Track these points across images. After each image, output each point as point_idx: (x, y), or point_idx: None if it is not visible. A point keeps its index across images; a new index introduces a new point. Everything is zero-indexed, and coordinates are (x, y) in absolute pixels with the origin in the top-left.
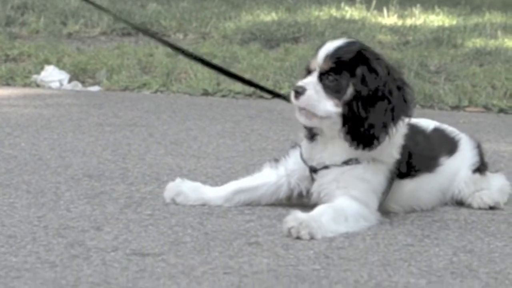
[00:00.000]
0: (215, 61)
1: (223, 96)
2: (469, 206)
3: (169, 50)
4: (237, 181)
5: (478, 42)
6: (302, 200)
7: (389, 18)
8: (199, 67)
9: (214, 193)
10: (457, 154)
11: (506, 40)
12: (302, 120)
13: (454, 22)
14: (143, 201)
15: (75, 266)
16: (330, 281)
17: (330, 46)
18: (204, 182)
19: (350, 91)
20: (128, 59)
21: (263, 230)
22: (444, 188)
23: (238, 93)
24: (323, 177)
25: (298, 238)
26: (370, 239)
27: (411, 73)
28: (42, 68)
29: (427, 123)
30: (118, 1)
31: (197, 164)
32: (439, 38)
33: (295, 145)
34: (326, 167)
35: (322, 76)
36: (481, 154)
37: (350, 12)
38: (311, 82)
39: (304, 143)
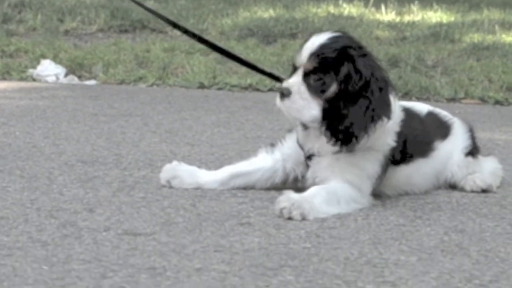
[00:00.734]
0: (212, 56)
1: (219, 89)
2: (462, 189)
3: (166, 45)
4: (233, 166)
5: (475, 37)
6: (297, 185)
7: (387, 15)
8: (195, 61)
9: (210, 177)
10: (450, 138)
11: (503, 35)
12: (288, 116)
13: (452, 19)
14: (136, 184)
15: (66, 244)
16: (321, 258)
17: (315, 42)
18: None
19: (333, 89)
20: (125, 55)
21: (255, 212)
22: (438, 172)
23: (234, 86)
24: (318, 164)
25: (290, 218)
26: (361, 220)
27: (408, 68)
28: (38, 63)
29: (421, 107)
30: None
31: (191, 151)
32: (437, 34)
33: (291, 129)
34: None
35: (306, 75)
36: (473, 138)
37: (348, 9)
38: (295, 83)
39: (300, 129)
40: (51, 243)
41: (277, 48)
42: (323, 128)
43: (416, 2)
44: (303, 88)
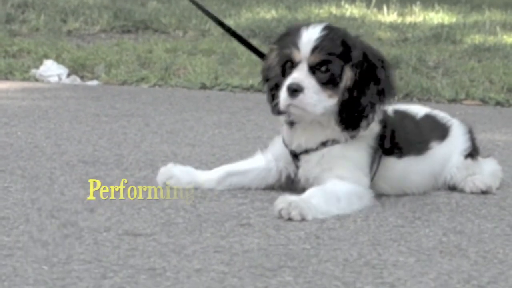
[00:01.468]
0: (214, 57)
1: (221, 89)
2: (461, 191)
3: (168, 46)
4: (228, 165)
5: (477, 38)
6: (293, 186)
7: (389, 16)
8: (198, 61)
9: (206, 176)
10: (449, 139)
11: (505, 36)
12: (295, 116)
13: (454, 20)
14: (137, 185)
15: (67, 244)
16: (320, 260)
17: (312, 35)
18: (198, 168)
19: (347, 77)
20: (127, 55)
21: (255, 213)
22: (436, 173)
23: (236, 87)
24: (306, 163)
25: (289, 219)
26: (361, 221)
27: (409, 68)
28: (41, 63)
29: (418, 109)
30: None
31: (192, 151)
32: (438, 35)
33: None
34: (306, 151)
35: (312, 69)
36: (472, 139)
37: (350, 10)
38: (303, 78)
39: (285, 128)
40: (51, 243)
41: None
42: (338, 117)
43: (418, 3)
44: (313, 82)
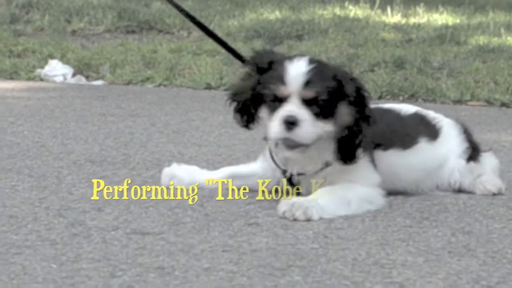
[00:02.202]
0: (218, 57)
1: (226, 89)
2: (469, 192)
3: (173, 46)
4: (231, 167)
5: (481, 39)
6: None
7: (393, 17)
8: (202, 62)
9: (209, 176)
10: (442, 139)
11: (509, 38)
12: (285, 152)
13: (458, 21)
14: (144, 184)
15: (75, 243)
16: (328, 259)
17: (300, 69)
18: (205, 168)
19: (344, 114)
20: (132, 55)
21: (263, 212)
22: (429, 170)
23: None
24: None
25: (295, 220)
26: (369, 221)
27: (413, 69)
28: (46, 63)
29: (407, 107)
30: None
31: (198, 151)
32: (443, 36)
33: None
34: (302, 174)
35: (305, 102)
36: (469, 139)
37: (354, 11)
38: (298, 112)
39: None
40: (60, 242)
41: (284, 49)
42: (337, 154)
43: (422, 4)
44: (308, 115)
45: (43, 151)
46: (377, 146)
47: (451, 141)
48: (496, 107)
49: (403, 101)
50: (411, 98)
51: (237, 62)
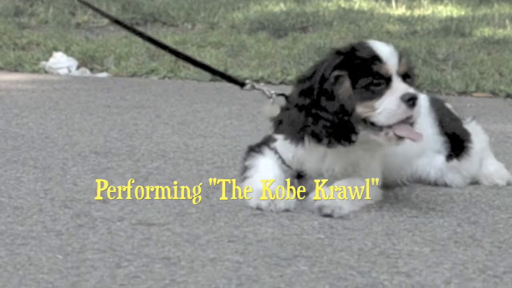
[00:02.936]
0: (223, 49)
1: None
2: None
3: (177, 39)
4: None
5: (486, 31)
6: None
7: (398, 9)
8: (207, 54)
9: None
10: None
11: None
12: (402, 133)
13: (463, 13)
14: (149, 176)
15: (81, 234)
16: (334, 249)
17: (387, 47)
18: (210, 159)
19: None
20: (136, 48)
21: None
22: (407, 155)
23: (246, 78)
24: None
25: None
26: (375, 211)
27: (418, 61)
28: (50, 56)
29: None
30: None
31: (203, 142)
32: (447, 28)
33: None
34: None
35: (402, 78)
36: (451, 132)
37: (359, 3)
38: (409, 89)
39: (283, 144)
40: (65, 233)
41: (288, 41)
42: None
43: None
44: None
45: (48, 143)
46: None
47: (425, 132)
48: (501, 98)
49: None
50: (416, 89)
51: (242, 54)
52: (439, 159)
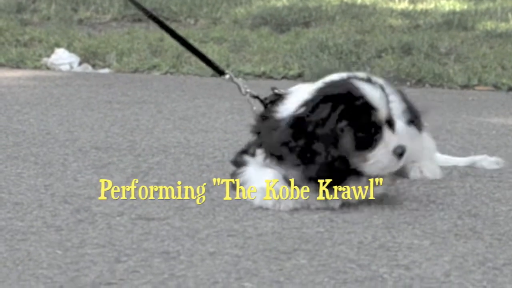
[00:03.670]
0: (225, 45)
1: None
2: (475, 175)
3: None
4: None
5: (488, 25)
6: None
7: (400, 3)
8: (209, 50)
9: None
10: None
11: None
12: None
13: (465, 7)
14: (150, 171)
15: (80, 229)
16: (334, 242)
17: (380, 91)
18: (211, 154)
19: None
20: (138, 43)
21: None
22: None
23: (248, 74)
24: None
25: None
26: (375, 204)
27: (421, 55)
28: (52, 52)
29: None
30: None
31: (204, 137)
32: (450, 22)
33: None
34: None
35: (387, 124)
36: (409, 104)
37: None
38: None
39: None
40: (65, 228)
41: (291, 36)
42: None
43: None
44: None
45: (49, 139)
46: None
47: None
48: (503, 92)
49: (411, 86)
50: (419, 83)
51: (244, 49)
52: (399, 124)
